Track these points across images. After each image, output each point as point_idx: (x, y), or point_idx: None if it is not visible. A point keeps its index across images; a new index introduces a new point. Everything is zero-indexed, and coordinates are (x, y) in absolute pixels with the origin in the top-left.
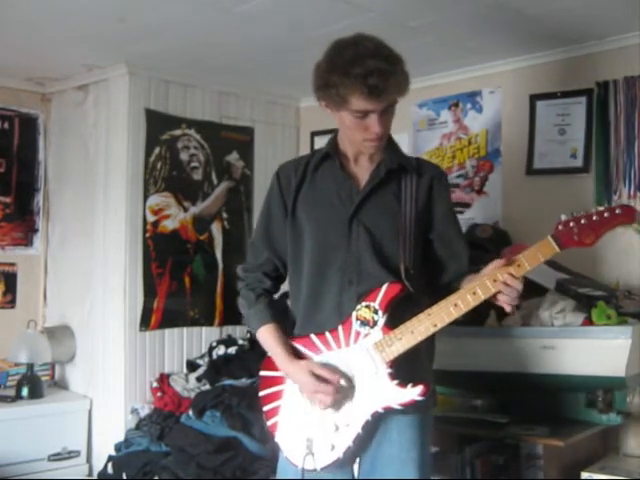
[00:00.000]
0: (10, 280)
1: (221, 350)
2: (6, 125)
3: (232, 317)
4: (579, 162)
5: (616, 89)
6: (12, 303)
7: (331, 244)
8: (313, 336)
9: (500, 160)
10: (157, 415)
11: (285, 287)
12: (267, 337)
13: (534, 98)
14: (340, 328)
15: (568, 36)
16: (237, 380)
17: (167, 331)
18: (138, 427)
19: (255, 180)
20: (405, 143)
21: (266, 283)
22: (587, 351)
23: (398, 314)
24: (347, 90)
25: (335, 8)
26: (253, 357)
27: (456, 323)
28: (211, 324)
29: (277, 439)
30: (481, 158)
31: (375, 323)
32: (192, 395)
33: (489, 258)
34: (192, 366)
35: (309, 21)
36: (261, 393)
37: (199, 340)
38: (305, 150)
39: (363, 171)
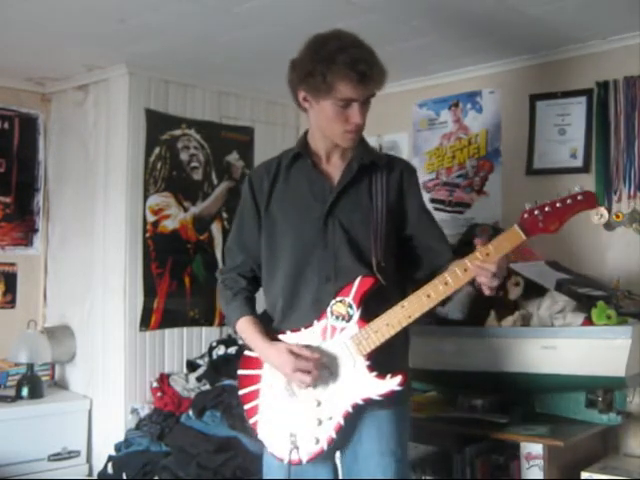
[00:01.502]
0: (10, 280)
1: (221, 350)
2: (6, 125)
3: None
4: (579, 162)
5: (616, 89)
6: (12, 303)
7: (307, 242)
8: (289, 332)
9: (500, 160)
10: (157, 415)
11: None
12: (245, 327)
13: (534, 98)
14: (316, 323)
15: (568, 36)
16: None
17: (167, 331)
18: (138, 427)
19: None
20: (405, 143)
21: (242, 282)
22: (587, 351)
23: (372, 307)
24: (335, 76)
25: (335, 8)
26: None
27: (456, 323)
28: (211, 324)
29: (260, 436)
30: (481, 158)
31: (350, 317)
32: (192, 395)
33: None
34: (192, 366)
35: (309, 21)
36: (241, 392)
37: (199, 340)
38: None
39: (335, 169)
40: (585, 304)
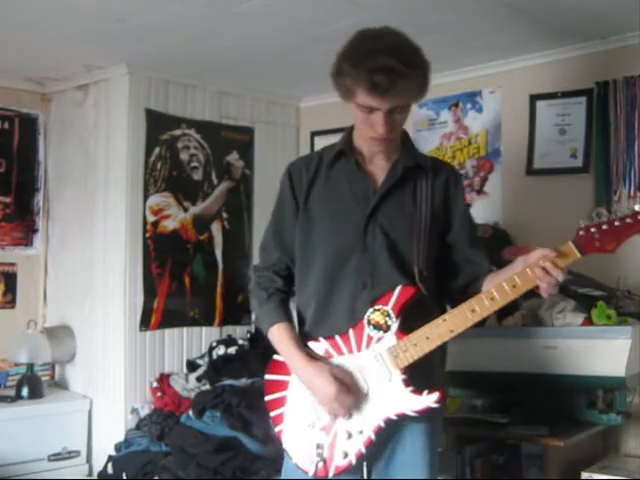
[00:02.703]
0: (10, 280)
1: (221, 350)
2: (6, 125)
3: (232, 317)
4: (579, 162)
5: (616, 89)
6: (12, 303)
7: (345, 245)
8: (323, 340)
9: (500, 160)
10: (157, 415)
11: None
12: (280, 337)
13: (534, 98)
14: (351, 332)
15: (568, 36)
16: (237, 380)
17: (167, 331)
18: (138, 427)
19: (255, 180)
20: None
21: (278, 282)
22: (587, 351)
23: (409, 318)
24: (353, 82)
25: (335, 7)
26: (253, 357)
27: None
28: (211, 324)
29: (285, 446)
30: (481, 158)
31: (388, 327)
32: (192, 395)
33: (490, 258)
34: (192, 366)
35: (309, 20)
36: (267, 398)
37: (199, 340)
38: (305, 150)
39: (379, 170)
40: (585, 304)
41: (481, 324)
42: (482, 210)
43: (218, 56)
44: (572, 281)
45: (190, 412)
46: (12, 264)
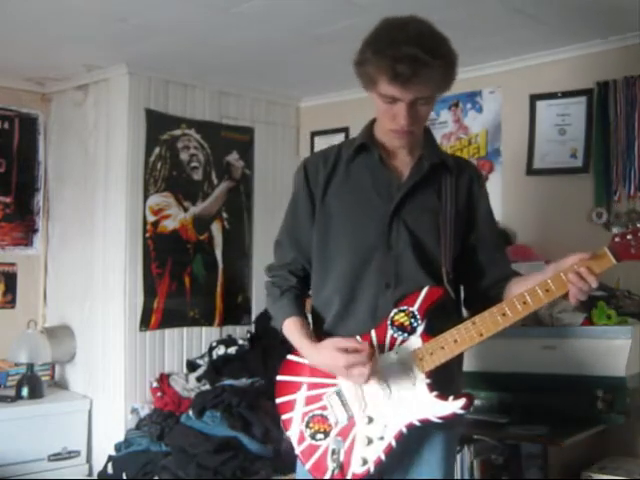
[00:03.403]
0: (10, 280)
1: (221, 350)
2: (6, 125)
3: (232, 317)
4: (579, 162)
5: (616, 89)
6: (12, 303)
7: (368, 243)
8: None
9: (500, 160)
10: (157, 415)
11: None
12: (291, 329)
13: (534, 98)
14: (373, 333)
15: (568, 36)
16: (237, 380)
17: (167, 331)
18: (138, 427)
19: (255, 180)
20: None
21: (292, 280)
22: (587, 351)
23: (432, 320)
24: (375, 70)
25: (335, 8)
26: (253, 357)
27: None
28: (211, 324)
29: (297, 451)
30: (481, 158)
31: (413, 329)
32: (192, 395)
33: None
34: (192, 366)
35: (309, 21)
36: (278, 400)
37: (199, 340)
38: (305, 150)
39: (403, 165)
40: (585, 304)
41: None
42: None
43: (218, 56)
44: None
45: (190, 412)
46: (12, 264)
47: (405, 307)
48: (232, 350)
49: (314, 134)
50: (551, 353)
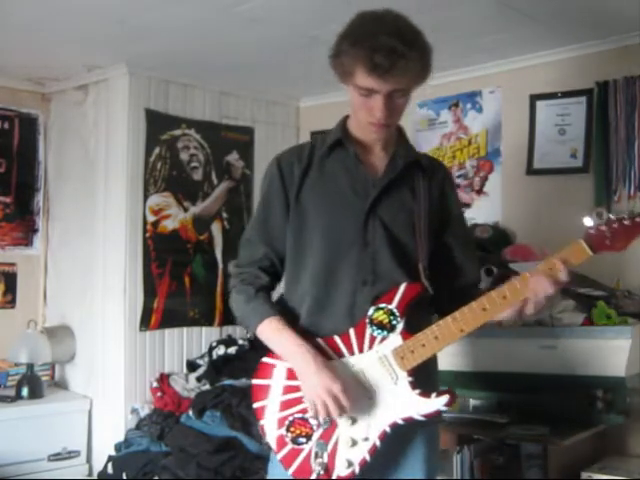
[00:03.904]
0: (10, 280)
1: (221, 350)
2: (6, 125)
3: (232, 317)
4: (579, 162)
5: (616, 89)
6: (12, 303)
7: (344, 240)
8: (320, 341)
9: (500, 160)
10: (157, 415)
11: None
12: (276, 327)
13: (534, 98)
14: (352, 332)
15: (568, 36)
16: (237, 380)
17: (167, 331)
18: (138, 427)
19: (255, 180)
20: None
21: (264, 279)
22: (587, 351)
23: (411, 317)
24: (352, 62)
25: (335, 8)
26: (253, 357)
27: None
28: (211, 324)
29: (279, 456)
30: (481, 158)
31: (393, 327)
32: (192, 395)
33: (490, 258)
34: (192, 366)
35: (309, 21)
36: (255, 405)
37: (199, 340)
38: None
39: (378, 160)
40: (585, 304)
41: None
42: (482, 210)
43: (218, 56)
44: (572, 281)
45: (190, 412)
46: (12, 264)
47: (384, 305)
48: (232, 350)
49: (314, 134)
50: (551, 353)
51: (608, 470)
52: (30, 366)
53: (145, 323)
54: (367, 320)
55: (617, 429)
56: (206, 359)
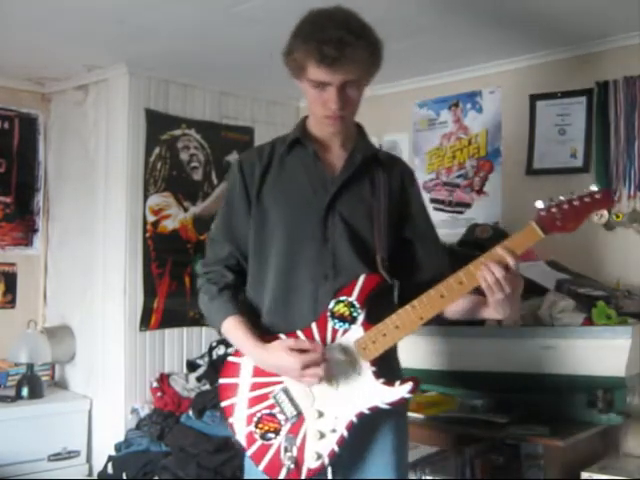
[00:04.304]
0: (10, 280)
1: (221, 350)
2: (6, 125)
3: None
4: (579, 162)
5: (616, 89)
6: (12, 303)
7: (304, 236)
8: (284, 337)
9: (500, 160)
10: (157, 415)
11: None
12: (233, 329)
13: (534, 98)
14: (314, 326)
15: (568, 36)
16: None
17: (167, 331)
18: (138, 427)
19: None
20: (405, 143)
21: (228, 277)
22: (587, 351)
23: (372, 308)
24: (302, 56)
25: None
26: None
27: (456, 323)
28: None
29: (249, 452)
30: (481, 158)
31: (354, 319)
32: (192, 395)
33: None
34: (192, 366)
35: None
36: (223, 404)
37: (199, 340)
38: None
39: (336, 158)
40: (585, 304)
41: (481, 324)
42: (482, 210)
43: (218, 56)
44: (572, 281)
45: (190, 412)
46: (12, 264)
47: (344, 297)
48: (232, 350)
49: None
50: (551, 353)
51: (608, 470)
52: (30, 366)
53: (145, 323)
54: (328, 313)
55: (617, 429)
56: (206, 359)
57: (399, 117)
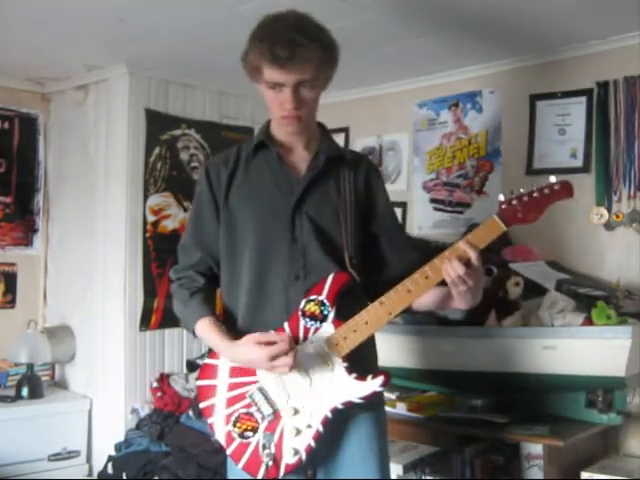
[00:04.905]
0: (10, 280)
1: None
2: (6, 125)
3: None
4: (579, 162)
5: (616, 89)
6: (12, 303)
7: (273, 237)
8: None
9: (500, 160)
10: (157, 415)
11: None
12: (205, 330)
13: (534, 98)
14: (286, 325)
15: (568, 36)
16: None
17: (167, 331)
18: (138, 427)
19: None
20: (405, 143)
21: (200, 281)
22: (587, 351)
23: (343, 306)
24: (256, 58)
25: (335, 8)
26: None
27: (456, 323)
28: None
29: (228, 452)
30: (481, 158)
31: (325, 317)
32: (192, 395)
33: (489, 258)
34: (192, 366)
35: None
36: (201, 405)
37: (199, 340)
38: None
39: (300, 160)
40: (585, 304)
41: (480, 324)
42: (482, 210)
43: (218, 56)
44: (572, 281)
45: (190, 412)
46: (12, 264)
47: (314, 296)
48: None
49: None
50: (551, 353)
51: (608, 470)
52: (30, 366)
53: (145, 323)
54: (300, 313)
55: (617, 429)
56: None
57: (399, 117)
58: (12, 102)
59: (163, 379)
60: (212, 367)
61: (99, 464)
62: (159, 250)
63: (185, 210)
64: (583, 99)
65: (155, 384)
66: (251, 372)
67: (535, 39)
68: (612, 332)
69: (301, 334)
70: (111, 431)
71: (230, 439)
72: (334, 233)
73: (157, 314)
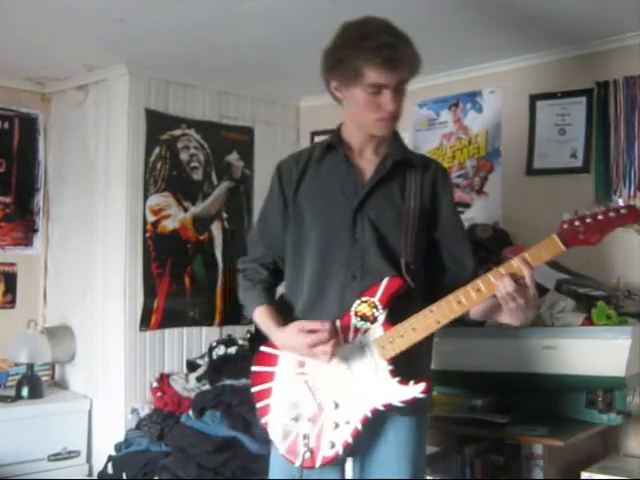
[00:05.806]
0: (10, 280)
1: (221, 350)
2: (6, 125)
3: (232, 317)
4: (579, 162)
5: (616, 89)
6: (12, 303)
7: (335, 238)
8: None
9: (500, 160)
10: (157, 415)
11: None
12: (262, 316)
13: (534, 98)
14: (338, 323)
15: (568, 36)
16: (237, 380)
17: (167, 331)
18: (138, 427)
19: (255, 180)
20: (405, 143)
21: (263, 273)
22: (587, 351)
23: (396, 310)
24: (361, 62)
25: (335, 7)
26: (253, 357)
27: (456, 323)
28: (211, 324)
29: (271, 437)
30: (481, 158)
31: (375, 319)
32: (192, 395)
33: (490, 258)
34: (192, 366)
35: (309, 21)
36: (253, 389)
37: (199, 340)
38: None
39: (368, 164)
40: (585, 304)
41: (481, 324)
42: (482, 210)
43: (218, 56)
44: (572, 281)
45: (190, 412)
46: (12, 264)
47: (367, 298)
48: (232, 350)
49: (314, 134)
50: (551, 353)
51: (608, 470)
52: (30, 366)
53: (145, 323)
54: (352, 312)
55: (617, 429)
56: (206, 359)
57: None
58: (12, 102)
59: (163, 379)
60: (267, 355)
61: (99, 464)
62: (159, 250)
63: (185, 210)
64: (583, 99)
65: (155, 384)
66: (300, 364)
67: (535, 39)
68: (612, 332)
69: (351, 333)
70: (111, 431)
71: (278, 426)
72: (394, 238)
73: (157, 314)
